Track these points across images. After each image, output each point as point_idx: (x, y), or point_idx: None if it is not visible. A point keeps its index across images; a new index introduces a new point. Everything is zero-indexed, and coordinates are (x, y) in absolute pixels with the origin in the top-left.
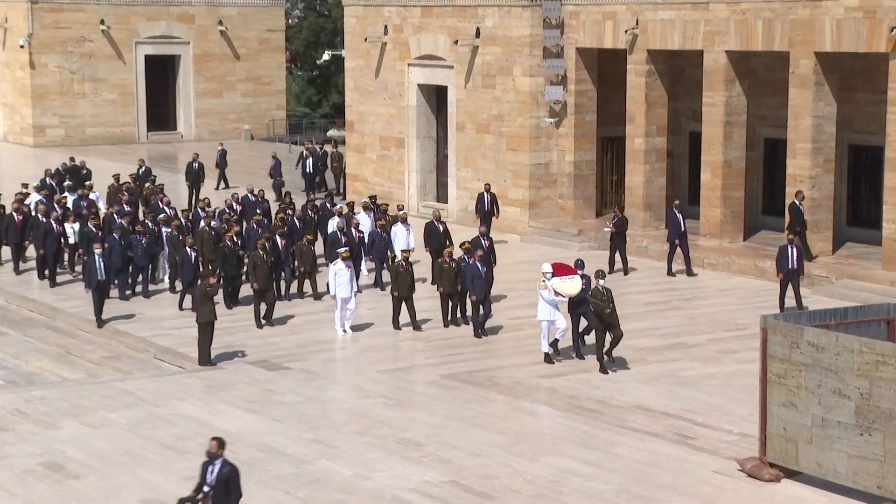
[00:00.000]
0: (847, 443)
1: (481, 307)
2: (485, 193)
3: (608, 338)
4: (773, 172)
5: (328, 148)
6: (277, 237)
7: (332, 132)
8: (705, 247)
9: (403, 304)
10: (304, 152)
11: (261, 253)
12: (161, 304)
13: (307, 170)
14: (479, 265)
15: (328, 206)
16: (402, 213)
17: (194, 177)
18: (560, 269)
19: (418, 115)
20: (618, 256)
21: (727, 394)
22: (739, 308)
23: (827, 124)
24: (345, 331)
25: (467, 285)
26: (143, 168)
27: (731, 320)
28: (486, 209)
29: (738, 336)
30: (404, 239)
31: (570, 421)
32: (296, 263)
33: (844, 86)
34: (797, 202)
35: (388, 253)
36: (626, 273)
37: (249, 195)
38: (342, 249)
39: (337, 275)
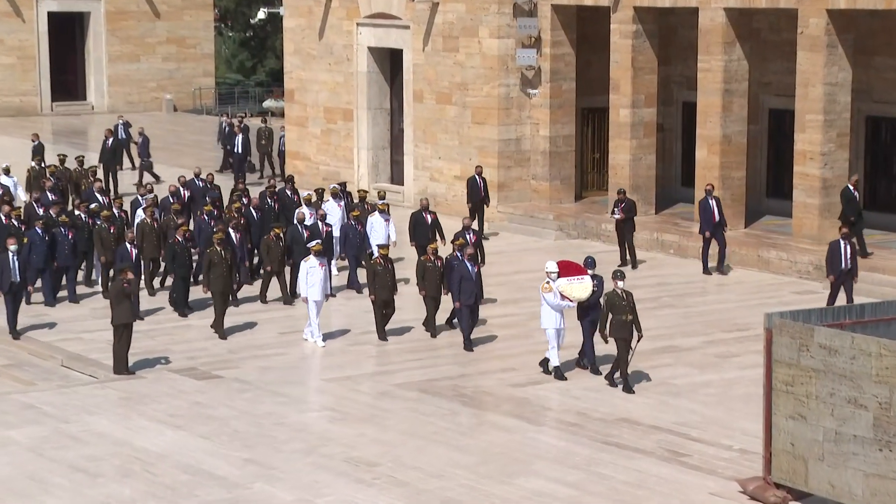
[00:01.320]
0: (864, 460)
1: (469, 314)
2: (476, 178)
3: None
4: (779, 149)
5: (263, 122)
6: (231, 231)
7: (268, 103)
8: (701, 235)
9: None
10: (225, 124)
11: (218, 249)
12: (86, 308)
13: (236, 149)
14: (468, 265)
15: (288, 193)
16: (381, 202)
17: (108, 156)
18: (567, 269)
19: (369, 83)
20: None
21: (726, 404)
22: (740, 306)
23: (841, 93)
24: (318, 342)
25: (452, 288)
26: (36, 143)
27: (730, 320)
28: (480, 196)
29: (738, 338)
30: (383, 232)
31: (545, 436)
32: (252, 263)
33: (861, 48)
34: (850, 187)
35: (366, 249)
36: (634, 266)
37: (197, 180)
38: (314, 242)
39: (309, 273)
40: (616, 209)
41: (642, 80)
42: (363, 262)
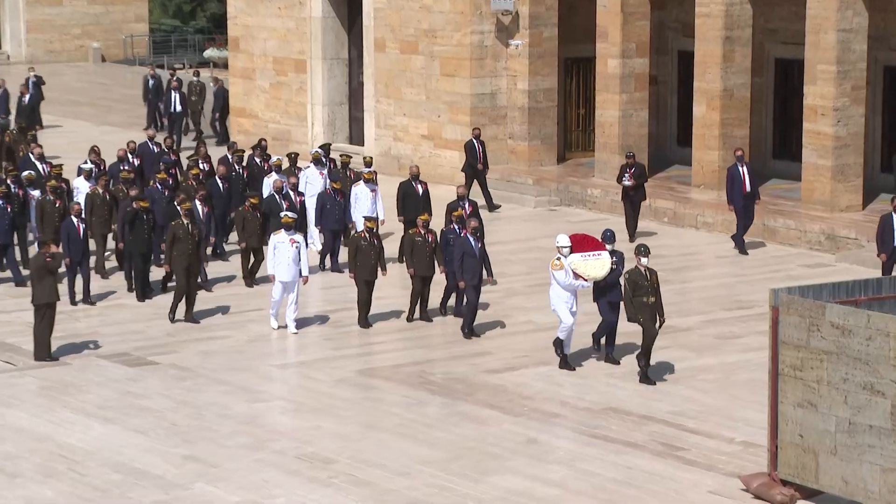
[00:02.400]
0: (881, 453)
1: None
2: (475, 142)
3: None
4: (786, 104)
5: (195, 75)
6: (197, 203)
7: (210, 52)
8: (699, 201)
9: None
10: (150, 77)
11: (184, 223)
12: (2, 286)
13: (173, 107)
14: (471, 239)
15: (257, 160)
16: (367, 169)
17: (27, 115)
18: (582, 244)
19: (324, 29)
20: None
21: (727, 392)
22: (743, 280)
23: (856, 40)
24: (289, 329)
25: (454, 266)
26: None
27: (732, 296)
28: (480, 162)
29: (741, 317)
30: (368, 204)
31: (524, 428)
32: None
33: None
34: None
35: (346, 223)
36: (632, 240)
37: (150, 143)
38: (283, 214)
39: (277, 249)
40: (625, 175)
41: (633, 27)
42: (342, 239)
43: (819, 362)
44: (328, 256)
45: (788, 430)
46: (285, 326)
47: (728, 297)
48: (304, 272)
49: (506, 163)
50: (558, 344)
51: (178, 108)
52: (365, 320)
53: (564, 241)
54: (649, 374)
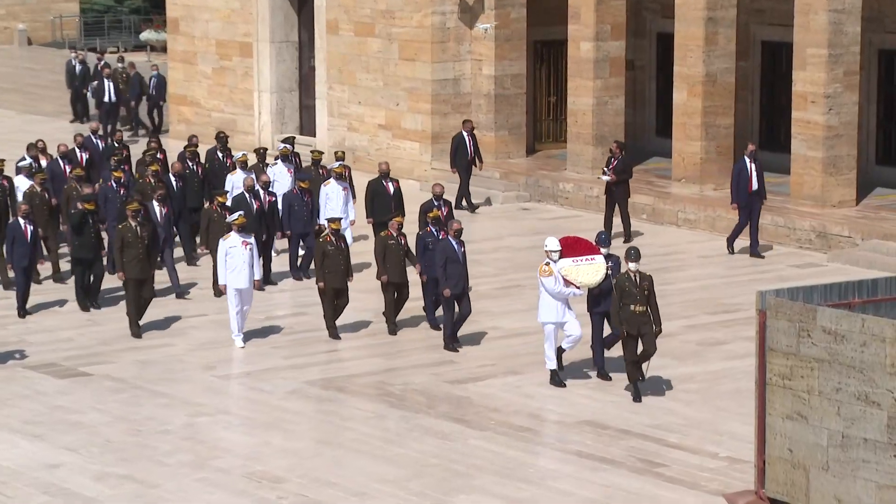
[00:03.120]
0: (877, 468)
1: (457, 305)
2: (465, 135)
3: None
4: (773, 90)
5: (120, 60)
6: (155, 203)
7: (146, 35)
8: (680, 196)
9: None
10: (76, 62)
11: (132, 225)
12: None
13: (107, 96)
14: (453, 242)
15: (220, 155)
16: (337, 164)
17: None
18: (574, 247)
19: (272, 9)
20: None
21: (711, 403)
22: (727, 282)
23: (849, 21)
24: (235, 343)
25: (437, 272)
26: None
27: (715, 299)
28: (470, 158)
29: (725, 321)
30: (340, 204)
31: (491, 444)
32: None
33: None
34: None
35: (315, 225)
36: (627, 239)
37: (94, 137)
38: (235, 216)
39: (230, 255)
40: (607, 169)
41: (608, 7)
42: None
43: (810, 370)
44: (296, 260)
45: (777, 445)
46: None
47: (712, 300)
48: (258, 275)
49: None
50: (554, 375)
51: (113, 97)
52: (332, 330)
53: (554, 244)
54: (639, 389)
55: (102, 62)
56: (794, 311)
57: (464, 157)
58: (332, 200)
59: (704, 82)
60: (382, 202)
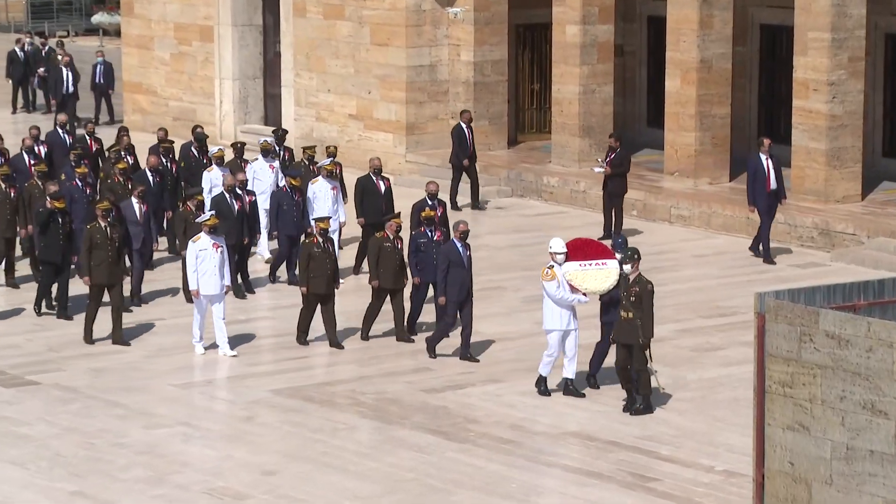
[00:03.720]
0: (884, 483)
1: (458, 315)
2: (463, 127)
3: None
4: (773, 77)
5: (59, 44)
6: (134, 201)
7: (98, 18)
8: (674, 191)
9: (320, 305)
10: (27, 45)
11: (101, 225)
12: None
13: (66, 87)
14: (458, 246)
15: (195, 151)
16: (329, 160)
17: None
18: (583, 250)
19: None
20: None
21: (706, 413)
22: (724, 283)
23: (853, 3)
24: (226, 353)
25: (437, 277)
26: None
27: (711, 301)
28: (469, 152)
29: (721, 325)
30: (328, 203)
31: (470, 457)
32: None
33: None
34: None
35: (305, 227)
36: (617, 236)
37: (60, 131)
38: (206, 216)
39: (200, 258)
40: (603, 161)
41: None
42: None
43: (812, 378)
44: (284, 265)
45: (777, 457)
46: (213, 346)
47: (707, 302)
48: (227, 280)
49: (447, 146)
50: (540, 383)
51: (71, 88)
52: (303, 336)
53: (559, 246)
54: (638, 404)
55: (47, 48)
56: (795, 314)
57: (465, 151)
58: (319, 199)
59: (699, 69)
60: (373, 201)
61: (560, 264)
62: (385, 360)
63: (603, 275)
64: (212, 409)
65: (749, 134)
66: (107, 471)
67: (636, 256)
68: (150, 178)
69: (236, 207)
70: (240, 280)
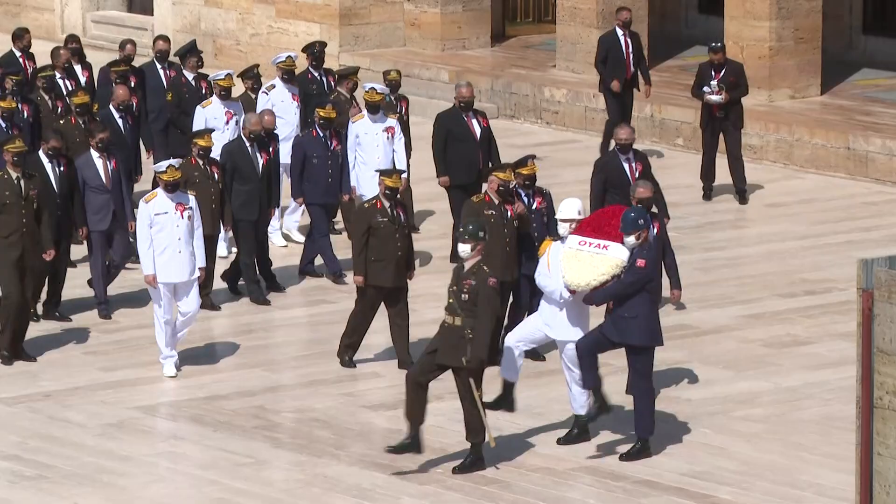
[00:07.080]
0: None
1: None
2: (619, 35)
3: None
4: None
5: None
6: (95, 156)
7: None
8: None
9: (385, 305)
10: None
11: (13, 176)
12: None
13: None
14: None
15: (186, 73)
16: (381, 88)
17: None
18: (594, 225)
19: None
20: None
21: (785, 437)
22: (811, 245)
23: None
24: (170, 371)
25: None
26: None
27: (789, 273)
28: (628, 73)
29: (805, 307)
30: (380, 153)
31: (428, 502)
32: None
33: None
34: None
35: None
36: (743, 200)
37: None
38: (163, 165)
39: (155, 225)
40: (715, 86)
41: None
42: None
43: None
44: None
45: (891, 499)
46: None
47: (782, 273)
48: (200, 261)
49: (402, 44)
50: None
51: None
52: (349, 354)
53: (570, 209)
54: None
55: None
56: None
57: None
58: (366, 147)
59: None
60: (464, 151)
61: (563, 236)
62: (306, 365)
63: (593, 263)
64: (55, 437)
65: (848, 24)
66: None
67: (482, 235)
68: (120, 121)
69: (261, 163)
70: (261, 278)
